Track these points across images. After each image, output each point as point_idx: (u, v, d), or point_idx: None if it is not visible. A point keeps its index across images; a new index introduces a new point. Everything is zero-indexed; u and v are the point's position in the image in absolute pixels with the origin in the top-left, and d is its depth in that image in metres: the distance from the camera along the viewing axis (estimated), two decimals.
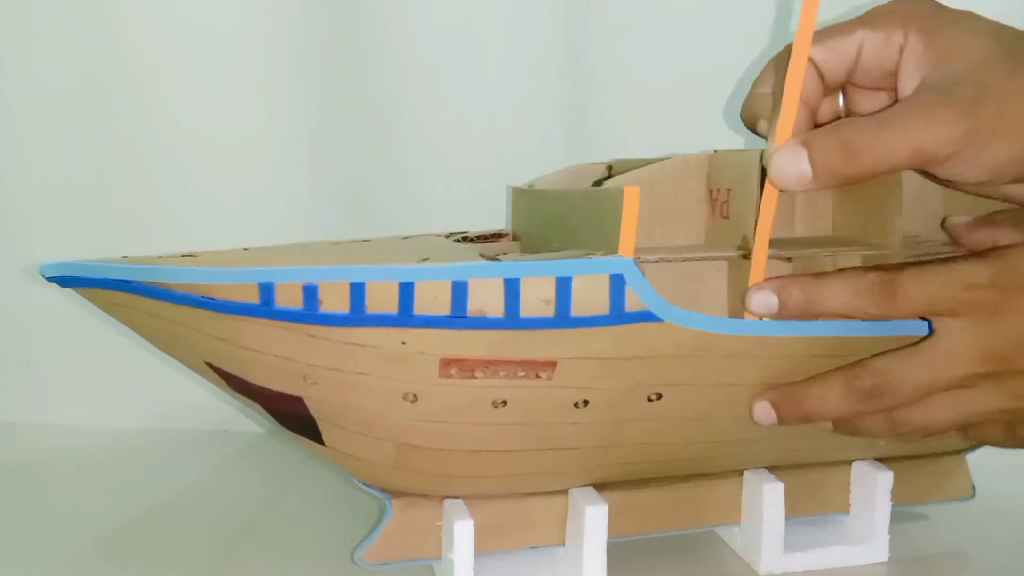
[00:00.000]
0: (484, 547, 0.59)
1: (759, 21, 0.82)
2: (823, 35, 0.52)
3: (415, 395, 0.51)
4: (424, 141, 0.81)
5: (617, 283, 0.49)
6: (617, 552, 0.60)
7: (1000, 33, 0.49)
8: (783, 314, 0.51)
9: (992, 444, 0.54)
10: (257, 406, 0.56)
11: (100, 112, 0.80)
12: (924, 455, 0.66)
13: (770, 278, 0.51)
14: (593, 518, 0.57)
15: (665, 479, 0.61)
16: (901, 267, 0.50)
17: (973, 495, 0.69)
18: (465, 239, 0.65)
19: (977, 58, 0.48)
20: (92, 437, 0.81)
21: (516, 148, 0.81)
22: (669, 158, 0.57)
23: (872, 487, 0.63)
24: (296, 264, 0.50)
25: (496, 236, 0.67)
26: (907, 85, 0.50)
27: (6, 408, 0.85)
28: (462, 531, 0.57)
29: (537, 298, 0.49)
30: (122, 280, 0.52)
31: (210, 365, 0.54)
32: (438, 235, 0.66)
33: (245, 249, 0.61)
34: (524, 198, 0.64)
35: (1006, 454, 0.73)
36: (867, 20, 0.52)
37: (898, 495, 0.62)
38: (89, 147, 0.81)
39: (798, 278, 0.51)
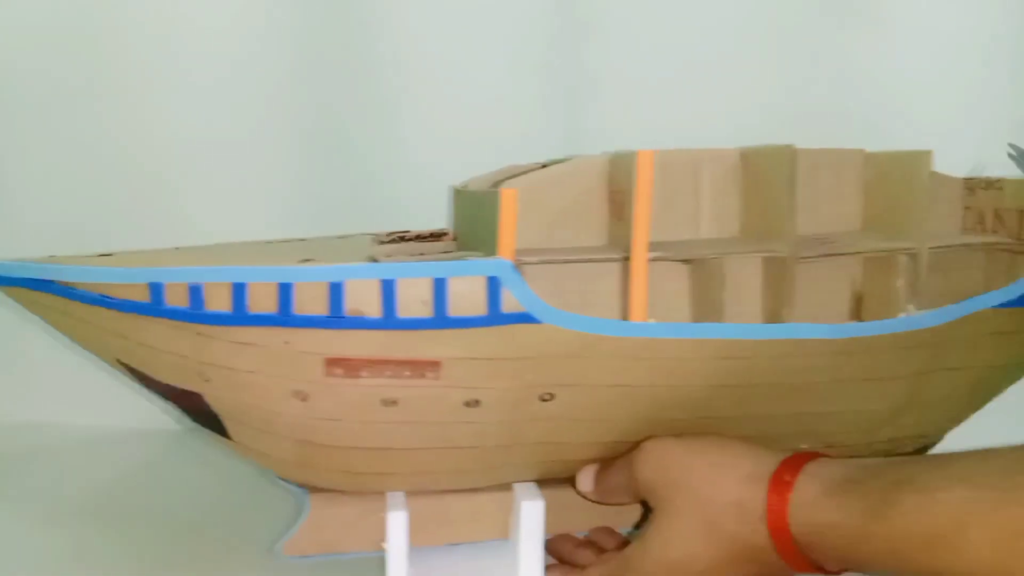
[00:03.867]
0: (429, 539, 0.60)
1: (755, 19, 0.81)
2: None
3: (305, 394, 0.52)
4: (421, 140, 0.81)
5: (494, 284, 0.49)
6: None
7: None
8: None
9: None
10: (170, 402, 0.57)
11: (95, 110, 0.81)
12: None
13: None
14: (528, 513, 0.58)
15: None
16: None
17: None
18: (401, 239, 0.66)
19: None
20: (78, 434, 0.82)
21: (515, 147, 0.80)
22: (570, 159, 0.57)
23: None
24: (211, 264, 0.51)
25: (436, 236, 0.67)
26: None
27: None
28: (395, 522, 0.57)
29: (415, 299, 0.50)
30: (33, 279, 0.54)
31: (120, 362, 0.56)
32: (375, 235, 0.67)
33: (176, 248, 0.62)
34: (457, 197, 0.65)
35: None
36: None
37: None
38: (83, 146, 0.82)
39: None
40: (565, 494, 0.60)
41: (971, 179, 0.61)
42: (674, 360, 0.53)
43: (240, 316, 0.50)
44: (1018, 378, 0.65)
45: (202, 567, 0.60)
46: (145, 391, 0.59)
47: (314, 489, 0.60)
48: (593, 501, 0.59)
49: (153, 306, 0.51)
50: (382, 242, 0.65)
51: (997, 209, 0.59)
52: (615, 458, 0.58)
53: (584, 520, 0.62)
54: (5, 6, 0.80)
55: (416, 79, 0.80)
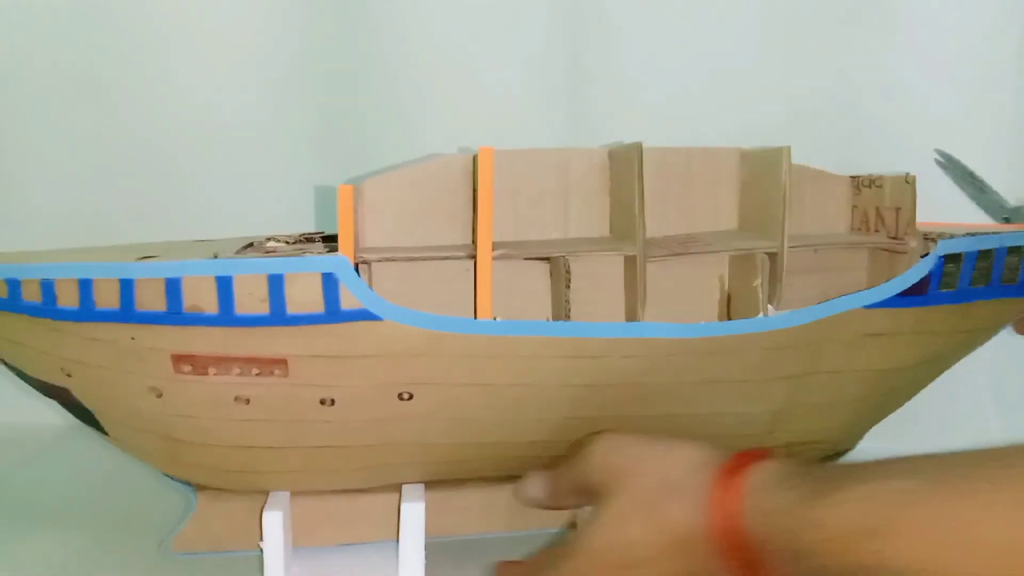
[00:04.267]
0: (319, 540, 0.61)
1: (759, 15, 0.81)
2: None
3: (159, 390, 0.53)
4: (426, 138, 0.82)
5: (330, 281, 0.50)
6: (471, 549, 0.61)
7: None
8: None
9: None
10: (49, 397, 0.58)
11: (100, 100, 0.81)
12: None
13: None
14: (408, 515, 0.58)
15: (482, 480, 0.61)
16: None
17: None
18: (309, 240, 0.66)
19: None
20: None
21: (519, 142, 0.81)
22: (432, 158, 0.57)
23: None
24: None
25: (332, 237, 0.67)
26: None
27: None
28: (270, 522, 0.57)
29: (252, 296, 0.50)
30: None
31: None
32: (288, 236, 0.67)
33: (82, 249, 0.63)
34: None
35: None
36: None
37: None
38: (89, 138, 0.82)
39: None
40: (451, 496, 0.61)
41: (858, 177, 0.59)
42: (527, 359, 0.52)
43: (88, 312, 0.51)
44: (925, 382, 0.63)
45: (91, 562, 0.61)
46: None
47: (200, 486, 0.61)
48: (544, 507, 0.57)
49: (11, 302, 0.53)
50: (288, 243, 0.65)
51: (879, 208, 0.58)
52: (558, 461, 0.56)
53: (468, 522, 0.62)
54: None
55: (422, 75, 0.81)
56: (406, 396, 0.53)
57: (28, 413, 0.79)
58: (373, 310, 0.50)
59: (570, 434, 0.56)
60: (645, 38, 0.81)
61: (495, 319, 0.52)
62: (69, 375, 0.55)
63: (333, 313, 0.50)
